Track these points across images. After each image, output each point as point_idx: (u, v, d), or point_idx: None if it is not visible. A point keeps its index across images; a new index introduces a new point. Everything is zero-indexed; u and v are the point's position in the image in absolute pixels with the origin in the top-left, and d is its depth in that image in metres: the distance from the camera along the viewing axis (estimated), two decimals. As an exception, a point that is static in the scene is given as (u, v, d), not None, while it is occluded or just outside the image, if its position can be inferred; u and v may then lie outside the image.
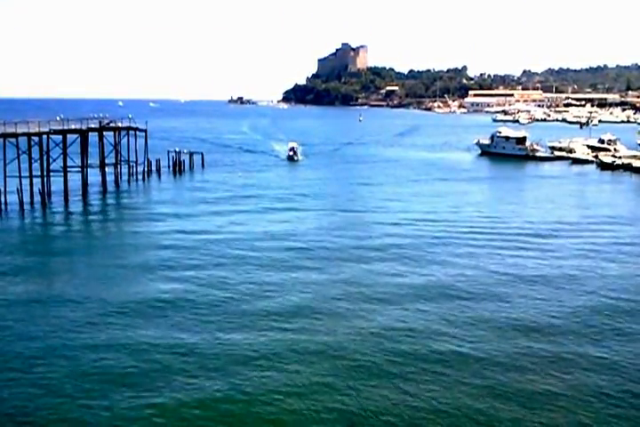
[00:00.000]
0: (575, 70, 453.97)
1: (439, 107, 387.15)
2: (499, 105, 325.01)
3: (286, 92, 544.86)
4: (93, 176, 64.51)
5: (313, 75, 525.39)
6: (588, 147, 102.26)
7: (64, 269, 35.17)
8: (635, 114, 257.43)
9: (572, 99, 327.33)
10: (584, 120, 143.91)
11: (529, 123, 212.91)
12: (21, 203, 52.04)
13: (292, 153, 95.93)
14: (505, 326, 26.77)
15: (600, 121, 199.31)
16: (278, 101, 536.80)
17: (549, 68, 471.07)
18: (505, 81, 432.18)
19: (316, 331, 26.02)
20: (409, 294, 31.04)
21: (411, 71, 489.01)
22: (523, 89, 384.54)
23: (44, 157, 56.89)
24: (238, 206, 55.24)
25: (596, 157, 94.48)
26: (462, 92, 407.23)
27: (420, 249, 39.93)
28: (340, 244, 41.14)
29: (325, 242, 41.54)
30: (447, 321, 27.28)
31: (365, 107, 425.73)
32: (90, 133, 63.99)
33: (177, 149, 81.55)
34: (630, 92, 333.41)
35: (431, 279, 33.37)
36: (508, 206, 57.27)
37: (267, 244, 40.84)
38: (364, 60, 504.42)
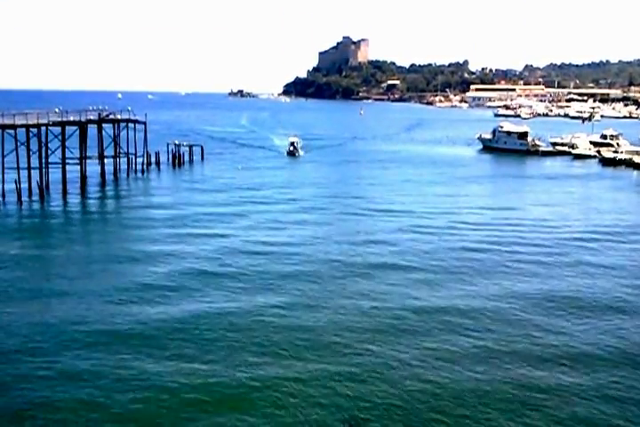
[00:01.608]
0: (577, 65, 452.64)
1: (440, 101, 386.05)
2: (500, 100, 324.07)
3: (287, 86, 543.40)
4: (92, 168, 64.14)
5: (314, 68, 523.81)
6: (590, 142, 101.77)
7: (58, 268, 34.30)
8: (637, 109, 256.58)
9: (574, 94, 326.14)
10: (586, 115, 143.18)
11: (530, 118, 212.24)
12: (19, 195, 51.58)
13: (292, 148, 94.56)
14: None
15: (602, 116, 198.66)
16: (279, 94, 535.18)
17: (552, 63, 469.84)
18: (507, 75, 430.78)
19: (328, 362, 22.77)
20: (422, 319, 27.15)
21: (412, 65, 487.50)
22: (525, 84, 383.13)
23: (43, 149, 56.46)
24: (237, 208, 51.99)
25: (599, 152, 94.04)
26: (464, 86, 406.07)
27: (431, 264, 35.29)
28: (346, 254, 36.88)
29: (330, 252, 37.49)
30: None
31: (370, 100, 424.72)
32: (89, 125, 63.56)
33: (176, 142, 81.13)
34: (633, 88, 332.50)
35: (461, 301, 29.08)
36: (521, 208, 54.83)
37: (265, 248, 37.99)
38: (365, 54, 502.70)
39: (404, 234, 42.88)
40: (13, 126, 52.98)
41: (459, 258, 36.72)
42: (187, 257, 35.94)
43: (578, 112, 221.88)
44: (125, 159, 70.53)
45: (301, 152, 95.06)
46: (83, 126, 62.05)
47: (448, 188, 65.87)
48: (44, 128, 56.36)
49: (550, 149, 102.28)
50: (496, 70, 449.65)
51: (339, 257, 36.43)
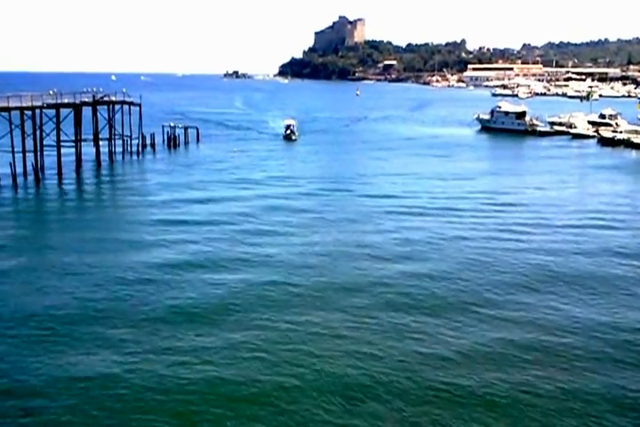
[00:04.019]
0: (576, 44, 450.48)
1: (437, 81, 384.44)
2: (498, 79, 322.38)
3: (282, 66, 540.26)
4: (87, 151, 63.64)
5: (309, 48, 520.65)
6: (589, 122, 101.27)
7: (52, 251, 33.98)
8: (636, 88, 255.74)
9: (573, 73, 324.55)
10: (585, 94, 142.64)
11: (528, 97, 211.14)
12: (14, 178, 51.14)
13: (288, 131, 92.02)
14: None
15: (601, 95, 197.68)
16: (274, 75, 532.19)
17: (549, 42, 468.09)
18: (504, 55, 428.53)
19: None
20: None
21: (409, 45, 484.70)
22: (522, 63, 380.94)
23: (37, 132, 56.03)
24: (234, 202, 46.95)
25: (597, 131, 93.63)
26: (461, 66, 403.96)
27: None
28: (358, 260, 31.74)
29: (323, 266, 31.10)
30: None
31: (372, 82, 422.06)
32: (83, 108, 62.95)
33: (172, 124, 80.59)
34: (631, 67, 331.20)
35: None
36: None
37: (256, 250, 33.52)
38: (362, 34, 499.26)
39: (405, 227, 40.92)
40: (7, 109, 52.51)
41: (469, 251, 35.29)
42: (178, 243, 34.96)
43: (576, 91, 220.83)
44: (120, 141, 70.06)
45: (298, 135, 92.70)
46: (77, 108, 61.42)
47: (448, 174, 62.00)
48: (38, 111, 55.80)
49: (548, 128, 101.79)
50: (494, 49, 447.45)
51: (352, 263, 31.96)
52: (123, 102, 71.06)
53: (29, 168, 54.00)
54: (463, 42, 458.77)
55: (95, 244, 34.63)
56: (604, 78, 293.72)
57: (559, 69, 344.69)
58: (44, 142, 57.60)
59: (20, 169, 52.69)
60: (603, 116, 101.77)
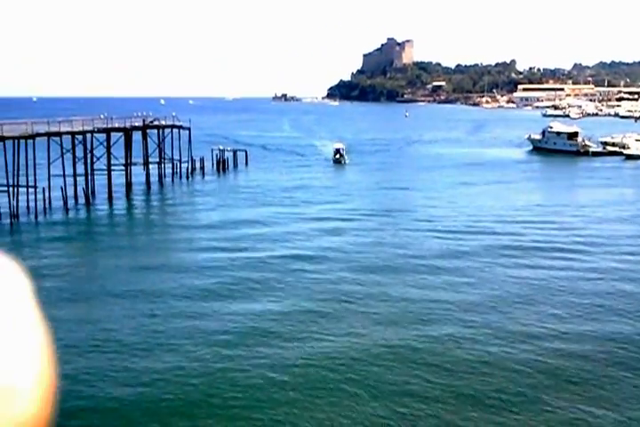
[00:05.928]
0: (628, 63, 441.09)
1: (487, 102, 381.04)
2: (549, 100, 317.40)
3: (330, 89, 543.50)
4: (137, 175, 64.51)
5: (358, 70, 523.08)
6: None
7: (105, 275, 34.29)
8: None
9: (625, 93, 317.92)
10: (638, 114, 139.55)
11: (580, 117, 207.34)
12: (65, 202, 52.10)
13: (338, 155, 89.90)
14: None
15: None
16: (323, 98, 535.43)
17: (601, 62, 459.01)
18: (555, 75, 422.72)
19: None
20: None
21: (458, 66, 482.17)
22: (573, 83, 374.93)
23: (88, 156, 57.16)
24: (286, 226, 45.66)
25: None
26: (511, 86, 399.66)
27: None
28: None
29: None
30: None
31: (424, 103, 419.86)
32: (133, 132, 64.02)
33: (220, 147, 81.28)
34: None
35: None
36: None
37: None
38: (410, 55, 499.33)
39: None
40: (59, 134, 53.65)
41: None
42: (228, 268, 34.36)
43: (628, 111, 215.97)
44: (170, 165, 70.88)
45: (347, 159, 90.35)
46: (127, 133, 62.53)
47: (513, 205, 54.93)
48: (89, 135, 57.08)
49: (600, 149, 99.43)
50: (544, 70, 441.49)
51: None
52: (172, 126, 72.01)
53: (80, 192, 54.97)
54: (513, 62, 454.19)
55: (147, 284, 31.67)
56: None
57: (611, 89, 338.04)
58: (95, 166, 58.71)
59: (71, 193, 53.72)
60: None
